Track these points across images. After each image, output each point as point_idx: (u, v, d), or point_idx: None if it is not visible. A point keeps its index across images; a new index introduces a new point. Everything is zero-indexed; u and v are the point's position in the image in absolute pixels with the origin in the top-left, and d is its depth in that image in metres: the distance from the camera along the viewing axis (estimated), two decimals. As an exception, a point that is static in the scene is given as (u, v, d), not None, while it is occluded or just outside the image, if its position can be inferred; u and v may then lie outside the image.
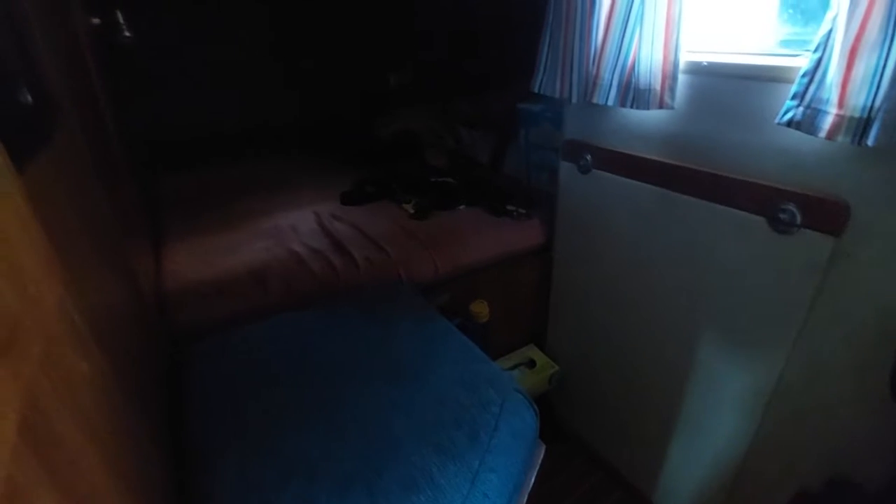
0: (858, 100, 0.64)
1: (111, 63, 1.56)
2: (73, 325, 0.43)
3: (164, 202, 1.61)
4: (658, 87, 0.91)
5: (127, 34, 1.54)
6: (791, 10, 0.91)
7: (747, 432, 0.95)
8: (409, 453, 0.62)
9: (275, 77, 2.25)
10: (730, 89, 0.86)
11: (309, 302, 1.07)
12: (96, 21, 1.45)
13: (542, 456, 0.76)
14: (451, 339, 0.87)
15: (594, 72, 1.00)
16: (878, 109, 0.62)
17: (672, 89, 0.90)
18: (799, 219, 0.79)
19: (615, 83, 0.98)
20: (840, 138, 0.66)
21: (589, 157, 1.15)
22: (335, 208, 1.50)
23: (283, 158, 2.07)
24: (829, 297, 0.78)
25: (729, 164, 0.88)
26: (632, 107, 0.96)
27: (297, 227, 1.37)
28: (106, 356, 0.50)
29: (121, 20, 1.55)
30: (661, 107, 0.92)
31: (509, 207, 1.39)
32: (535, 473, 0.72)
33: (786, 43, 0.93)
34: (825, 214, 0.75)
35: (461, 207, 1.45)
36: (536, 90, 1.14)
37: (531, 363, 1.42)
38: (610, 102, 0.99)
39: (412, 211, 1.42)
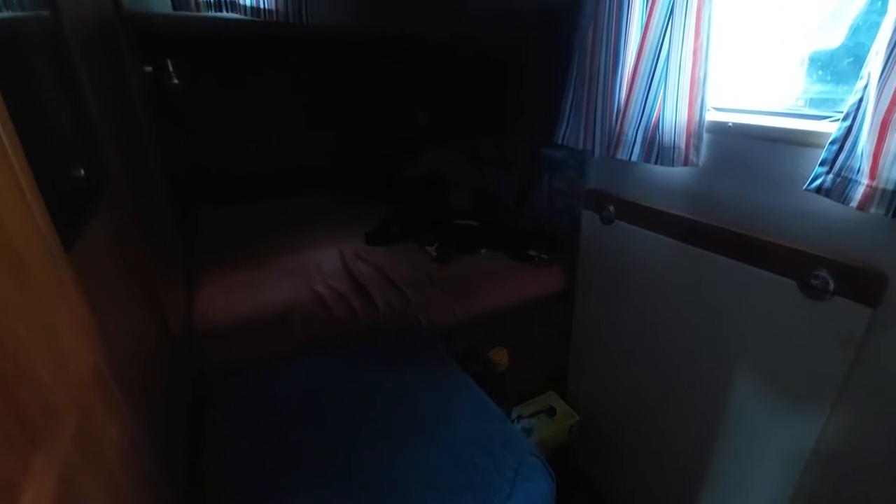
0: (892, 172, 0.63)
1: (159, 107, 1.66)
2: (106, 389, 0.46)
3: (198, 238, 1.68)
4: (683, 145, 0.91)
5: (176, 81, 1.66)
6: (821, 71, 0.91)
7: (781, 498, 0.90)
8: (420, 518, 0.62)
9: (309, 118, 2.35)
10: (756, 150, 0.85)
11: (330, 344, 1.08)
12: (148, 69, 1.56)
13: (557, 525, 0.73)
14: (468, 393, 0.86)
15: (617, 128, 1.01)
16: (913, 184, 0.61)
17: (697, 147, 0.90)
18: (832, 286, 0.76)
19: (639, 139, 0.98)
20: (873, 210, 0.65)
21: (612, 208, 1.15)
22: (360, 248, 1.53)
23: (313, 197, 2.14)
24: (868, 368, 0.74)
25: (757, 225, 0.86)
26: (656, 163, 0.96)
27: (322, 267, 1.40)
28: (133, 413, 0.52)
29: (171, 68, 1.66)
30: (685, 164, 0.92)
31: (531, 253, 1.39)
32: (550, 544, 0.70)
33: (814, 102, 0.93)
34: (860, 284, 0.73)
35: (483, 251, 1.46)
36: (559, 141, 1.16)
37: (551, 411, 1.39)
38: (634, 158, 0.99)
39: (434, 254, 1.44)
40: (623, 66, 0.98)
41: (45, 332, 0.34)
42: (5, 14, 0.45)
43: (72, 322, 0.40)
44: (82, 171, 0.54)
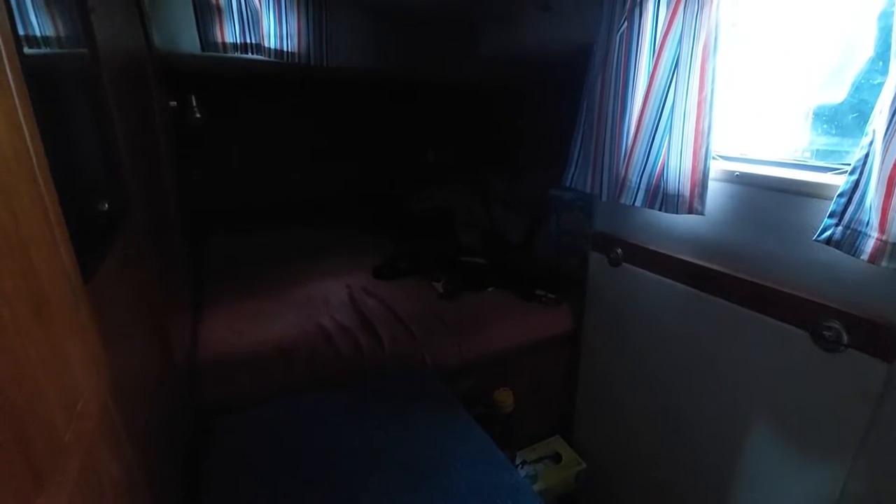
0: (902, 227, 0.63)
1: (180, 139, 1.72)
2: (110, 426, 0.45)
3: (207, 266, 1.70)
4: (687, 194, 0.92)
5: (198, 115, 1.72)
6: (825, 125, 0.93)
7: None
8: (420, 574, 0.59)
9: (323, 154, 2.41)
10: (764, 200, 0.86)
11: (333, 380, 1.07)
12: (173, 104, 1.62)
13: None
14: (473, 437, 0.84)
15: (623, 173, 1.03)
16: (923, 240, 0.61)
17: (702, 196, 0.91)
18: (845, 338, 0.75)
19: (643, 186, 1.00)
20: (884, 264, 0.64)
21: (619, 251, 1.15)
22: (367, 282, 1.54)
23: (323, 229, 2.17)
24: (888, 424, 0.72)
25: (766, 273, 0.86)
26: (660, 209, 0.97)
27: (329, 300, 1.41)
28: (135, 450, 0.51)
29: (194, 103, 1.73)
30: (690, 212, 0.93)
31: (538, 292, 1.39)
32: None
33: (820, 154, 0.94)
34: (875, 338, 0.72)
35: (490, 290, 1.46)
36: (568, 184, 1.18)
37: (557, 457, 1.35)
38: (637, 203, 1.01)
39: (441, 290, 1.44)
40: (630, 113, 1.01)
41: (59, 371, 0.35)
42: (44, 51, 0.46)
43: (84, 358, 0.40)
44: (106, 205, 0.55)
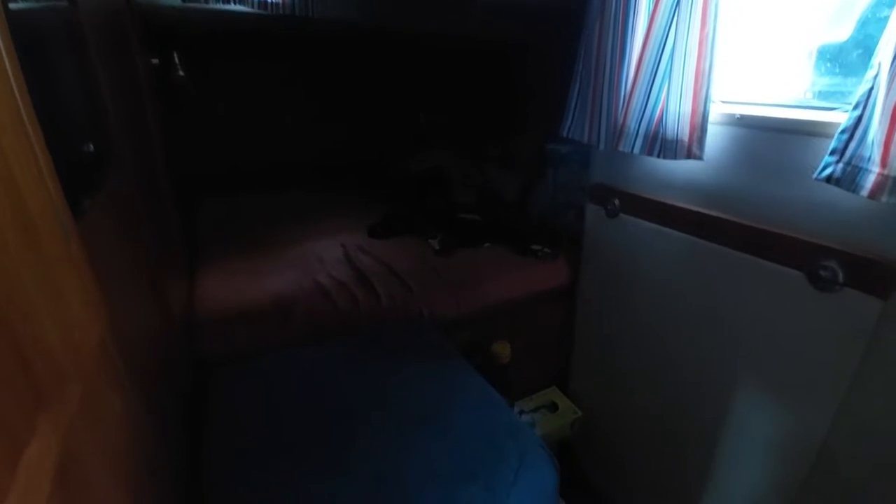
0: (903, 160, 0.62)
1: (164, 99, 1.66)
2: (111, 364, 0.45)
3: (202, 227, 1.68)
4: (686, 139, 0.91)
5: (181, 73, 1.66)
6: (829, 63, 0.90)
7: (788, 498, 0.89)
8: (423, 505, 0.61)
9: (312, 115, 2.35)
10: (764, 142, 0.84)
11: (331, 334, 1.08)
12: (155, 61, 1.56)
13: (562, 514, 0.73)
14: (471, 383, 0.86)
15: (621, 120, 1.01)
16: (925, 171, 0.60)
17: (701, 141, 0.90)
18: (841, 277, 0.75)
19: (641, 133, 0.98)
20: (884, 199, 0.64)
21: (617, 202, 1.14)
22: (362, 241, 1.53)
23: (315, 191, 2.14)
24: (879, 363, 0.73)
25: (764, 216, 0.86)
26: (659, 156, 0.96)
27: (324, 258, 1.40)
28: (136, 389, 0.52)
29: (176, 60, 1.66)
30: (688, 157, 0.91)
31: (534, 247, 1.39)
32: (554, 533, 0.69)
33: (823, 95, 0.92)
34: (870, 275, 0.72)
35: (486, 245, 1.46)
36: (565, 135, 1.16)
37: (553, 406, 1.38)
38: (636, 151, 0.99)
39: (437, 247, 1.43)
40: (629, 58, 0.98)
41: (53, 296, 0.34)
42: (30, 4, 0.49)
43: (79, 291, 0.40)
44: (91, 147, 0.54)
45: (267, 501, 0.62)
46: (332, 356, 0.94)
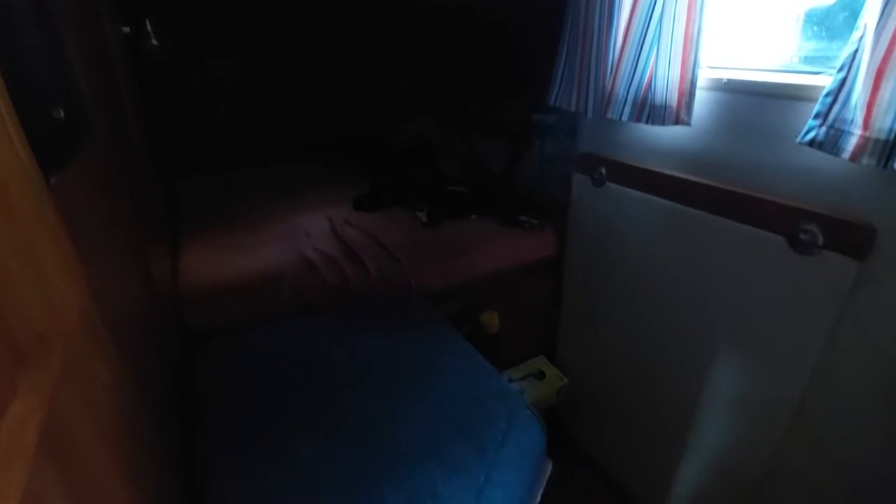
0: (885, 122, 0.63)
1: (139, 70, 1.60)
2: (94, 332, 0.45)
3: (184, 204, 1.65)
4: (674, 104, 0.91)
5: (154, 42, 1.59)
6: (815, 27, 0.90)
7: (764, 458, 0.93)
8: (413, 466, 0.62)
9: (294, 87, 2.29)
10: (749, 106, 0.85)
11: (319, 308, 1.08)
12: (126, 30, 1.49)
13: (549, 472, 0.75)
14: (460, 350, 0.87)
15: (609, 87, 1.00)
16: (906, 132, 0.61)
17: (689, 106, 0.90)
18: (821, 240, 0.77)
19: (630, 99, 0.97)
20: (865, 160, 0.65)
21: (603, 171, 1.14)
22: (348, 214, 1.52)
23: (299, 165, 2.10)
24: (853, 323, 0.76)
25: (747, 182, 0.86)
26: (647, 122, 0.96)
27: (311, 232, 1.39)
28: (123, 360, 0.51)
29: (149, 29, 1.59)
30: (676, 123, 0.91)
31: (521, 218, 1.39)
32: (541, 490, 0.72)
33: (809, 59, 0.92)
34: (849, 237, 0.74)
35: (473, 217, 1.46)
36: (552, 103, 1.14)
37: (540, 375, 1.41)
38: (624, 118, 0.99)
39: (424, 219, 1.43)
40: (617, 23, 0.96)
41: (28, 259, 0.33)
42: None
43: (56, 257, 0.39)
44: (62, 112, 0.51)
45: (259, 469, 0.63)
46: (321, 328, 0.94)
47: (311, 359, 0.84)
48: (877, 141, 0.64)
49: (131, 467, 0.45)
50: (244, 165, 2.04)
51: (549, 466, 0.76)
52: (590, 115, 1.06)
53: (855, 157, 0.66)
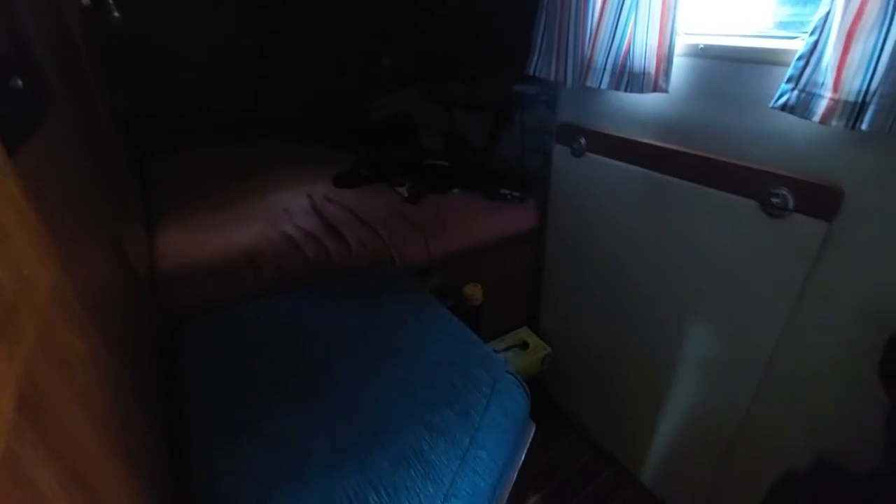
0: (854, 83, 0.64)
1: (101, 44, 1.53)
2: (68, 306, 0.44)
3: (156, 183, 1.60)
4: (653, 71, 0.91)
5: (116, 14, 1.52)
6: (791, -9, 0.90)
7: (737, 413, 0.97)
8: (399, 430, 0.64)
9: (268, 60, 2.22)
10: (725, 72, 0.85)
11: (302, 284, 1.07)
12: (86, 2, 1.42)
13: (532, 434, 0.77)
14: (443, 320, 0.88)
15: (588, 54, 0.99)
16: (874, 94, 0.62)
17: (667, 73, 0.90)
18: (791, 203, 0.79)
19: (609, 67, 0.97)
20: (834, 122, 0.66)
21: (583, 141, 1.15)
22: (328, 190, 1.49)
23: (276, 142, 2.05)
24: (821, 281, 0.79)
25: (723, 148, 0.88)
26: (626, 90, 0.96)
27: (290, 209, 1.37)
28: (101, 335, 0.51)
29: (110, 1, 1.52)
30: (655, 90, 0.92)
31: (503, 191, 1.39)
32: (525, 451, 0.74)
33: (784, 24, 0.93)
34: (818, 199, 0.76)
35: (455, 191, 1.45)
36: (531, 73, 1.13)
37: (524, 345, 1.44)
38: (603, 86, 0.98)
39: (406, 194, 1.42)
40: (596, -11, 0.95)
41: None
42: None
43: (21, 226, 0.37)
44: (19, 82, 0.49)
45: (247, 442, 0.63)
46: (304, 303, 0.94)
47: (296, 333, 0.84)
48: (846, 103, 0.65)
49: (115, 439, 0.45)
50: (218, 143, 1.99)
51: (532, 429, 0.78)
52: (569, 83, 1.05)
53: (825, 119, 0.67)
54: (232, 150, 1.94)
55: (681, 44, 0.90)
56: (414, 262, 1.21)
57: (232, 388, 0.72)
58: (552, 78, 1.09)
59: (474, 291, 1.24)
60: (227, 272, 1.07)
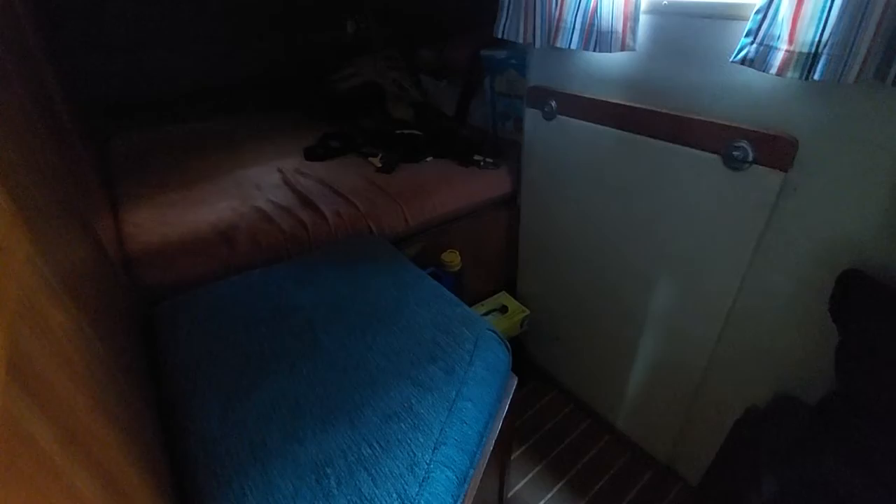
0: (807, 35, 0.67)
1: (50, 21, 1.43)
2: (44, 280, 0.43)
3: (118, 163, 1.54)
4: (620, 29, 0.92)
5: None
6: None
7: (703, 358, 1.04)
8: (388, 388, 0.66)
9: (228, 31, 2.11)
10: (689, 29, 0.87)
11: (279, 258, 1.07)
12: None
13: (514, 386, 0.81)
14: (424, 285, 0.89)
15: (557, 14, 0.99)
16: (825, 44, 0.65)
17: (634, 31, 0.91)
18: (751, 156, 0.83)
19: (578, 26, 0.98)
20: (789, 74, 0.69)
21: (553, 103, 1.16)
22: (299, 164, 1.47)
23: (240, 116, 1.98)
24: (778, 229, 0.84)
25: (687, 105, 0.90)
26: (595, 50, 0.96)
27: (261, 185, 1.34)
28: (79, 309, 0.50)
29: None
30: (623, 49, 0.93)
31: (476, 158, 1.40)
32: (508, 402, 0.77)
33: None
34: (775, 151, 0.80)
35: (428, 159, 1.45)
36: (500, 35, 1.12)
37: (503, 309, 1.48)
38: (573, 46, 0.99)
39: (379, 164, 1.41)
40: (562, -55, 0.94)
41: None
42: None
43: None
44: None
45: (241, 405, 0.64)
46: (284, 275, 0.94)
47: (277, 304, 0.85)
48: (800, 54, 0.68)
49: (105, 406, 0.45)
50: (180, 121, 1.90)
51: (515, 382, 0.82)
52: (538, 44, 1.05)
53: (781, 71, 0.70)
54: (195, 127, 1.86)
55: (646, 1, 0.91)
56: (391, 231, 1.21)
57: (218, 360, 0.72)
58: (521, 40, 1.09)
59: (452, 258, 1.25)
60: (201, 249, 1.05)
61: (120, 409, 0.49)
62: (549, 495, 1.20)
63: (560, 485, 1.23)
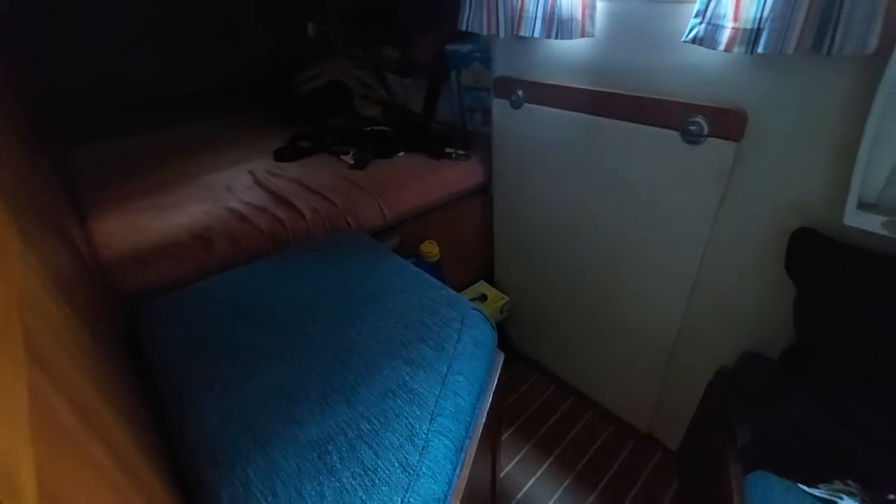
0: (750, 12, 0.73)
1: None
2: (39, 278, 0.43)
3: (80, 175, 1.49)
4: (579, 17, 0.96)
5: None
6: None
7: (673, 330, 1.09)
8: (381, 368, 0.67)
9: (189, 37, 2.07)
10: (643, 13, 0.92)
11: (260, 256, 1.06)
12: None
13: (501, 362, 0.84)
14: (407, 272, 0.91)
15: (519, 4, 1.03)
16: (766, 20, 0.71)
17: (592, 17, 0.96)
18: (706, 129, 0.89)
19: (539, 15, 1.01)
20: (736, 49, 0.75)
21: (520, 93, 1.20)
22: (270, 165, 1.46)
23: (206, 122, 1.94)
24: (734, 198, 0.90)
25: (646, 85, 0.96)
26: (556, 37, 1.01)
27: (232, 187, 1.33)
28: (68, 304, 0.50)
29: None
30: (583, 35, 0.97)
31: (448, 150, 1.42)
32: (497, 375, 0.80)
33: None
34: (727, 123, 0.86)
35: (400, 154, 1.47)
36: (463, 28, 1.15)
37: (483, 297, 1.51)
38: (536, 34, 1.03)
39: (352, 161, 1.41)
40: (520, -63, 0.98)
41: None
42: None
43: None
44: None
45: (237, 394, 0.64)
46: (266, 271, 0.94)
47: (263, 299, 0.85)
48: (744, 30, 0.73)
49: (104, 390, 0.45)
50: (143, 129, 1.85)
51: (501, 357, 0.85)
52: (502, 34, 1.09)
53: (728, 47, 0.76)
54: (161, 135, 1.82)
55: (601, -12, 0.96)
56: (369, 225, 1.22)
57: (207, 356, 0.72)
58: (484, 31, 1.12)
59: (431, 248, 1.27)
60: (177, 252, 1.04)
61: (118, 401, 0.49)
62: (539, 472, 1.24)
63: (549, 461, 1.26)
